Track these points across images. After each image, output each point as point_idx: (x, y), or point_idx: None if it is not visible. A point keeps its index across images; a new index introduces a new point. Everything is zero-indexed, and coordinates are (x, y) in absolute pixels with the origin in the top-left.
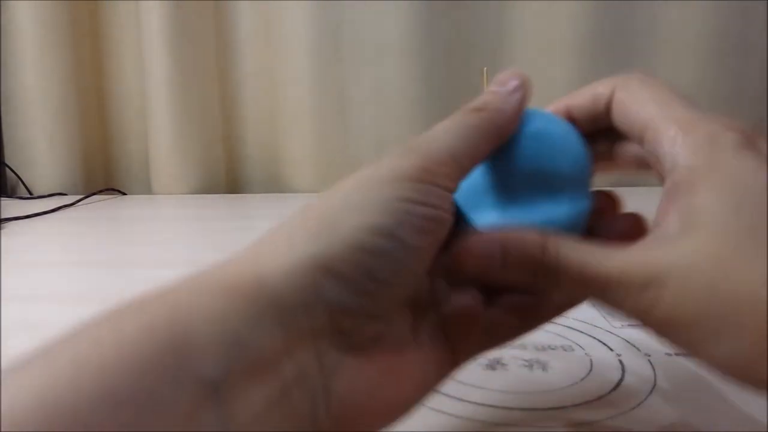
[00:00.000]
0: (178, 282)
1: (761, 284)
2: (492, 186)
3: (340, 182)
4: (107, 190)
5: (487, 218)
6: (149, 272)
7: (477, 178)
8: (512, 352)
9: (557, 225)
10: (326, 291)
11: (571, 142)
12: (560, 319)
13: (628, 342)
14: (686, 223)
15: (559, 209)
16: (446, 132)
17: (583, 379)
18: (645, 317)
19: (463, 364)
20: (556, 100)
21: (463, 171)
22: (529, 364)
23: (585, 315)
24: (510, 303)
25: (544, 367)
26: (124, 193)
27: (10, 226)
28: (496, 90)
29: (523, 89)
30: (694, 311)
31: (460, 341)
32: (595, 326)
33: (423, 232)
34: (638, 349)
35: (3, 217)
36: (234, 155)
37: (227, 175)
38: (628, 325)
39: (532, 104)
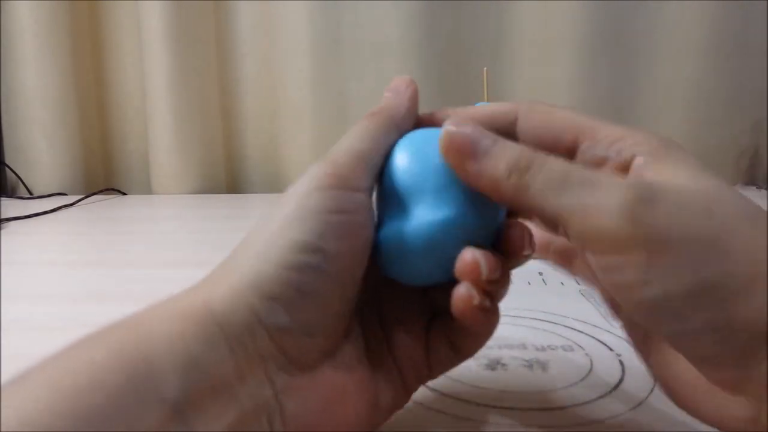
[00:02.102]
0: (141, 310)
1: (745, 216)
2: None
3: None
4: (107, 190)
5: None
6: (149, 272)
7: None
8: (512, 352)
9: (454, 222)
10: (263, 314)
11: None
12: (560, 319)
13: (628, 342)
14: (666, 178)
15: (446, 210)
16: (350, 137)
17: (583, 379)
18: (637, 238)
19: (415, 388)
20: (556, 99)
21: (370, 169)
22: (529, 364)
23: (585, 315)
24: (444, 328)
25: (544, 367)
26: (124, 193)
27: (10, 226)
28: (389, 94)
29: (411, 89)
30: (690, 227)
31: (407, 372)
32: (595, 326)
33: (342, 238)
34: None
35: (3, 217)
36: (234, 155)
37: (227, 175)
38: None
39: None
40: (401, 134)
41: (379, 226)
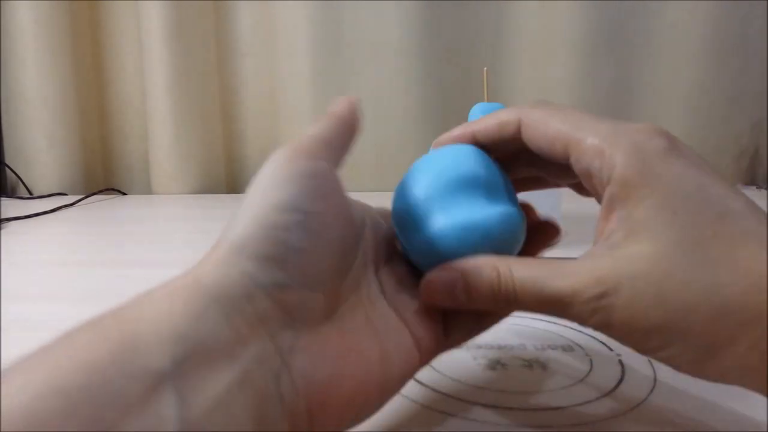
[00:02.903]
0: (130, 298)
1: (704, 288)
2: (425, 199)
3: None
4: (107, 190)
5: (435, 224)
6: (149, 272)
7: (410, 197)
8: (512, 352)
9: (497, 222)
10: (257, 275)
11: (474, 155)
12: (560, 320)
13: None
14: (628, 233)
15: (491, 209)
16: (314, 127)
17: (583, 379)
18: (603, 327)
19: (433, 355)
20: (556, 99)
21: (331, 148)
22: (529, 364)
23: None
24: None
25: (544, 367)
26: (124, 193)
27: (10, 226)
28: (329, 108)
29: (348, 101)
30: (646, 318)
31: (422, 338)
32: None
33: (317, 199)
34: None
35: (3, 217)
36: (234, 155)
37: (227, 175)
38: None
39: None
40: (350, 126)
41: (407, 235)
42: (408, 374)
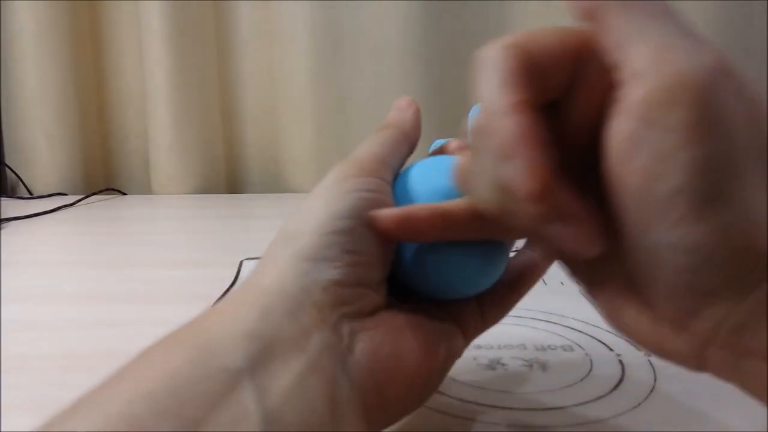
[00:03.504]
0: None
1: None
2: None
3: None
4: (107, 190)
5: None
6: (149, 272)
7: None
8: (512, 352)
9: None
10: (315, 274)
11: None
12: (560, 319)
13: (628, 342)
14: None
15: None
16: (369, 144)
17: (583, 379)
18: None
19: (473, 338)
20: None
21: (388, 167)
22: (529, 364)
23: (585, 315)
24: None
25: (544, 367)
26: (124, 193)
27: (10, 226)
28: (394, 112)
29: (414, 107)
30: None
31: (463, 323)
32: (595, 326)
33: (369, 209)
34: (638, 349)
35: (3, 217)
36: (234, 155)
37: (227, 175)
38: None
39: None
40: (410, 143)
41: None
42: (459, 352)
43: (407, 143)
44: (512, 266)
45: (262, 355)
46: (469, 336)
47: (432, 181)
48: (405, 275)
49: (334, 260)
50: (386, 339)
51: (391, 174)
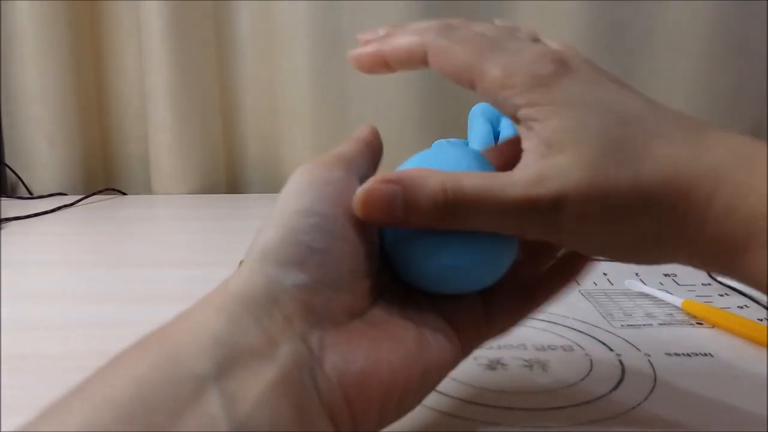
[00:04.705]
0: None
1: (633, 183)
2: None
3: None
4: (107, 190)
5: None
6: (149, 272)
7: None
8: (512, 352)
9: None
10: (280, 278)
11: (474, 160)
12: (560, 319)
13: (628, 342)
14: (550, 145)
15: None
16: (337, 148)
17: (583, 379)
18: (552, 232)
19: (475, 346)
20: None
21: (352, 164)
22: (529, 364)
23: (585, 315)
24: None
25: (544, 367)
26: (124, 193)
27: (10, 226)
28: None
29: (370, 126)
30: (592, 216)
31: (462, 330)
32: (595, 326)
33: (335, 203)
34: (638, 349)
35: (3, 217)
36: (234, 155)
37: (227, 175)
38: (628, 325)
39: None
40: (372, 151)
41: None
42: (449, 363)
43: (368, 147)
44: (529, 273)
45: (229, 362)
46: (469, 344)
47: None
48: (396, 268)
49: (301, 263)
50: (358, 353)
51: (357, 170)
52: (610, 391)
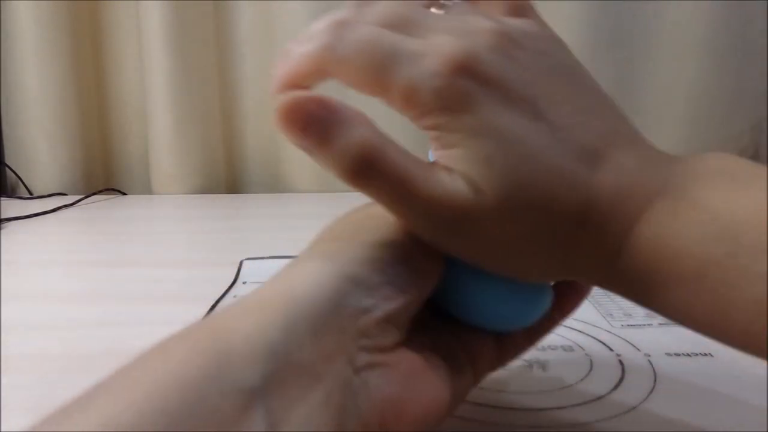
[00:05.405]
0: (223, 308)
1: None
2: None
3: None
4: (107, 190)
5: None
6: (149, 272)
7: None
8: None
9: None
10: (352, 298)
11: None
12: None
13: (628, 342)
14: (465, 138)
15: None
16: None
17: (583, 379)
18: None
19: (486, 375)
20: None
21: None
22: (529, 364)
23: (585, 315)
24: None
25: (544, 367)
26: (124, 193)
27: (10, 226)
28: None
29: None
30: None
31: (477, 360)
32: (595, 326)
33: (425, 253)
34: (638, 349)
35: (3, 217)
36: (234, 155)
37: (227, 175)
38: (628, 325)
39: None
40: None
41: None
42: (466, 392)
43: None
44: None
45: (279, 377)
46: (480, 374)
47: None
48: (446, 301)
49: (375, 289)
50: (400, 381)
51: None
52: (610, 391)
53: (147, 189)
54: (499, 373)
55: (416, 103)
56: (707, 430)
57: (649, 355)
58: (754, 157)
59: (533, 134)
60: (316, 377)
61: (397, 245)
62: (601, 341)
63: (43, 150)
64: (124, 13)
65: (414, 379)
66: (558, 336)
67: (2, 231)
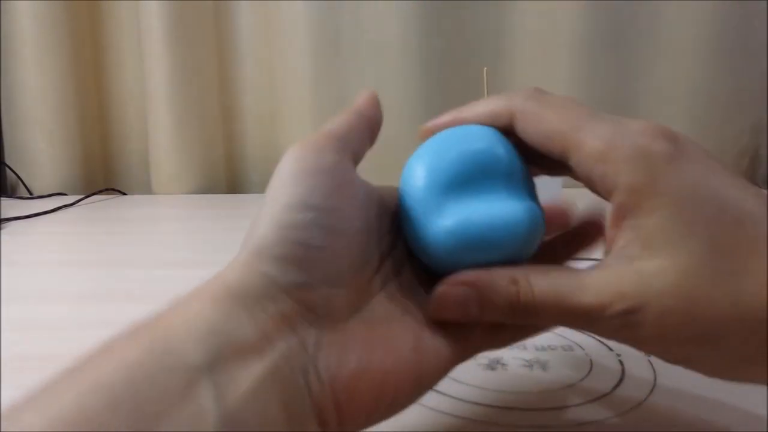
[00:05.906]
0: (164, 306)
1: (731, 300)
2: (435, 188)
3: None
4: (107, 190)
5: (445, 222)
6: (149, 272)
7: (417, 185)
8: (512, 352)
9: (522, 221)
10: (277, 276)
11: (493, 137)
12: None
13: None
14: (644, 246)
15: (513, 204)
16: (329, 123)
17: (583, 379)
18: (631, 341)
19: (468, 353)
20: None
21: (347, 143)
22: (529, 364)
23: None
24: None
25: (544, 367)
26: (124, 193)
27: (10, 226)
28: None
29: (369, 91)
30: (675, 333)
31: (462, 331)
32: None
33: (330, 194)
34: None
35: (3, 217)
36: (234, 155)
37: (227, 175)
38: None
39: None
40: (369, 123)
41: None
42: (445, 367)
43: (364, 119)
44: None
45: (222, 354)
46: (471, 348)
47: (461, 145)
48: (416, 250)
49: (298, 260)
50: (352, 355)
51: (353, 148)
52: (610, 391)
53: (147, 189)
54: (499, 373)
55: (616, 157)
56: (707, 430)
57: (649, 356)
58: (754, 157)
59: (743, 195)
60: (260, 353)
61: (306, 207)
62: (601, 341)
63: (43, 150)
64: (124, 13)
65: (369, 353)
66: (558, 336)
67: (2, 231)
